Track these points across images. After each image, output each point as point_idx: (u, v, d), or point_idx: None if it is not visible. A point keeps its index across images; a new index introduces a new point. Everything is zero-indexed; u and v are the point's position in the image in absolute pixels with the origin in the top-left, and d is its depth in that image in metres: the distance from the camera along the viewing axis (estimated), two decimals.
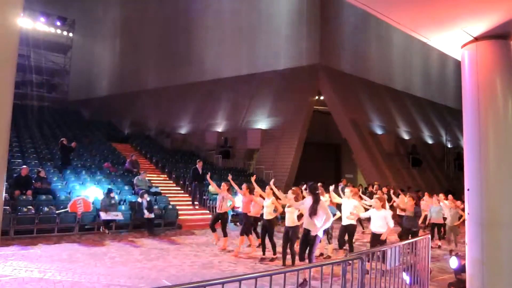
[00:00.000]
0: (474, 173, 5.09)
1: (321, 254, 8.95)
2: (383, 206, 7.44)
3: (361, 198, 9.31)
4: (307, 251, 6.57)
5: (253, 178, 9.82)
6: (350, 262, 4.35)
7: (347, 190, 8.91)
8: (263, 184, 11.09)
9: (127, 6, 33.07)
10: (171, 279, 6.84)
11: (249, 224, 9.38)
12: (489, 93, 5.04)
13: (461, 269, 6.37)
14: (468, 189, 5.16)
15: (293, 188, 8.09)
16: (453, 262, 6.58)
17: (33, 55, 30.71)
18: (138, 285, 6.36)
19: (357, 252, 4.83)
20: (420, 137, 28.11)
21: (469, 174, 5.17)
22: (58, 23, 30.95)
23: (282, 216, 9.13)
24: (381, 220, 7.30)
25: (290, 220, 7.73)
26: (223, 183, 10.11)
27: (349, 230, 8.44)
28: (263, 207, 8.97)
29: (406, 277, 5.45)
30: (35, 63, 30.61)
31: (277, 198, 8.77)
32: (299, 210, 7.68)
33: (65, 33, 32.59)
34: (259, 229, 9.88)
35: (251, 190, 9.45)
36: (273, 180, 9.28)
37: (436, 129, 30.67)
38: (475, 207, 5.04)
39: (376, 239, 7.32)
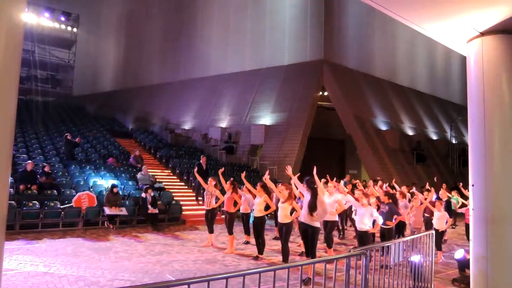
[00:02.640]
0: (479, 169, 5.06)
1: (302, 253, 8.80)
2: (369, 203, 7.36)
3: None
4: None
5: (242, 175, 9.52)
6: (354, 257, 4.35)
7: (330, 185, 8.69)
8: (274, 182, 10.89)
9: (132, 1, 33.06)
10: (175, 274, 6.87)
11: (232, 221, 9.13)
12: (495, 89, 5.01)
13: (465, 265, 6.34)
14: (473, 185, 5.14)
15: (286, 184, 8.04)
16: (459, 254, 6.50)
17: (37, 50, 30.80)
18: (142, 280, 6.39)
19: (361, 247, 4.83)
20: (425, 133, 28.01)
21: (474, 170, 5.14)
22: (63, 18, 30.98)
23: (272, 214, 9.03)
24: (365, 217, 7.20)
25: (284, 216, 7.36)
26: (209, 178, 9.69)
27: (328, 226, 8.29)
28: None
29: (416, 258, 5.41)
30: (39, 58, 30.72)
31: (269, 194, 8.67)
32: (292, 206, 7.50)
33: (69, 28, 32.64)
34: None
35: (234, 187, 9.23)
36: (267, 172, 9.17)
37: (440, 125, 30.54)
38: (479, 203, 5.02)
39: (361, 236, 7.26)
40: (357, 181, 13.69)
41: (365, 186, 12.70)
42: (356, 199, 7.78)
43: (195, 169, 11.25)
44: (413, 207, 8.79)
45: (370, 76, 26.24)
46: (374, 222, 7.36)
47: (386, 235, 7.84)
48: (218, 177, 9.92)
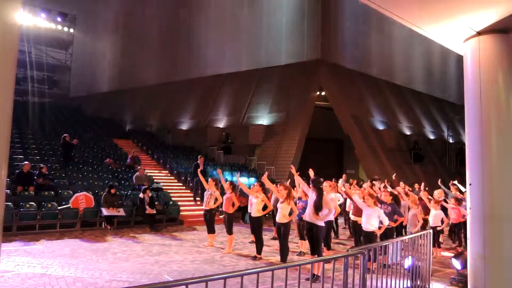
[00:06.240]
0: (476, 168, 5.08)
1: (300, 253, 8.81)
2: (375, 204, 7.35)
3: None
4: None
5: (237, 176, 9.50)
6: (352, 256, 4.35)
7: (325, 184, 8.71)
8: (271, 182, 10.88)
9: (128, 2, 32.97)
10: (173, 274, 6.86)
11: (231, 222, 9.10)
12: (491, 88, 5.02)
13: (464, 266, 6.34)
14: (470, 184, 5.16)
15: (284, 184, 8.10)
16: (456, 264, 6.44)
17: (34, 51, 30.65)
18: (140, 281, 6.38)
19: (359, 247, 4.83)
20: (422, 132, 28.07)
21: (471, 169, 5.16)
22: (59, 19, 30.83)
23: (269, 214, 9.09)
24: (372, 218, 7.19)
25: (282, 216, 7.44)
26: (210, 179, 9.69)
27: (325, 226, 8.33)
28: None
29: (408, 261, 5.41)
30: (36, 59, 30.55)
31: (266, 193, 8.69)
32: (290, 206, 7.58)
33: (66, 29, 32.49)
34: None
35: (234, 188, 9.22)
36: (266, 173, 9.15)
37: (438, 124, 30.61)
38: (477, 202, 5.03)
39: (368, 237, 7.26)
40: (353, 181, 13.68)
41: (360, 186, 12.70)
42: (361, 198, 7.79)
43: (199, 170, 11.24)
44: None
45: (367, 76, 26.27)
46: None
47: (388, 235, 7.83)
48: (218, 177, 9.93)
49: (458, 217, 9.60)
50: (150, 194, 12.25)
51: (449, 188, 11.61)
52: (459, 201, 9.65)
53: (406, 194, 9.84)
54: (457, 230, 10.10)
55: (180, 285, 2.82)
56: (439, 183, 11.70)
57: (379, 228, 7.31)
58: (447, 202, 10.12)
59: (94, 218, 11.58)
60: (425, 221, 9.38)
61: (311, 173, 7.36)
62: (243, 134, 23.43)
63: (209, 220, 9.58)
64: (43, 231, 10.53)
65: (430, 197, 10.14)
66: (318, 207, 6.52)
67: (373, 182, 12.00)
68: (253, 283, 3.53)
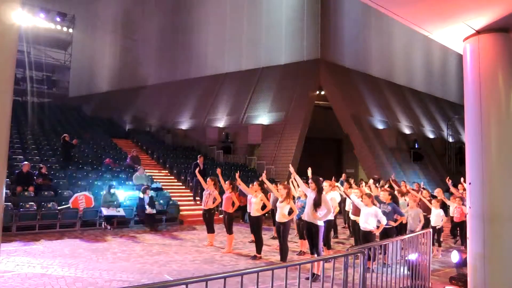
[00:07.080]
0: (475, 167, 5.07)
1: (300, 252, 8.81)
2: (373, 202, 7.34)
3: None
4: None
5: (237, 175, 9.43)
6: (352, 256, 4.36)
7: (325, 184, 8.70)
8: (271, 182, 10.89)
9: (127, 1, 32.97)
10: (173, 274, 6.86)
11: (231, 221, 9.07)
12: (491, 87, 5.02)
13: (463, 263, 6.36)
14: (469, 183, 5.15)
15: (284, 183, 8.11)
16: (455, 256, 6.56)
17: (33, 51, 30.62)
18: (140, 280, 6.38)
19: (358, 246, 4.83)
20: (422, 131, 28.07)
21: (471, 168, 5.16)
22: (58, 19, 30.75)
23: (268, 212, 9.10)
24: (370, 217, 7.18)
25: (282, 215, 7.50)
26: (208, 179, 9.70)
27: (325, 226, 8.35)
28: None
29: (412, 256, 5.43)
30: (35, 59, 30.52)
31: (266, 193, 8.70)
32: (290, 206, 7.60)
33: (65, 29, 32.43)
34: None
35: (234, 187, 9.21)
36: (264, 172, 9.15)
37: (437, 123, 30.62)
38: (476, 201, 5.03)
39: (365, 236, 7.26)
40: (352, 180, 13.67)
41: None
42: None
43: (197, 170, 11.21)
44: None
45: (367, 75, 26.27)
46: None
47: (389, 234, 7.81)
48: (217, 176, 9.91)
49: (461, 216, 9.61)
50: (150, 194, 12.25)
51: (455, 187, 11.52)
52: (464, 201, 9.65)
53: (408, 193, 9.84)
54: (459, 229, 10.12)
55: (180, 285, 2.81)
56: (447, 181, 11.63)
57: (377, 227, 7.31)
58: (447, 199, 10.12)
59: (94, 218, 11.57)
60: (427, 221, 9.37)
61: (309, 172, 7.36)
62: (243, 134, 23.43)
63: (208, 219, 9.58)
64: (43, 231, 10.52)
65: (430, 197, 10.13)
66: (317, 203, 6.52)
67: (375, 182, 11.94)
68: (253, 283, 3.53)
